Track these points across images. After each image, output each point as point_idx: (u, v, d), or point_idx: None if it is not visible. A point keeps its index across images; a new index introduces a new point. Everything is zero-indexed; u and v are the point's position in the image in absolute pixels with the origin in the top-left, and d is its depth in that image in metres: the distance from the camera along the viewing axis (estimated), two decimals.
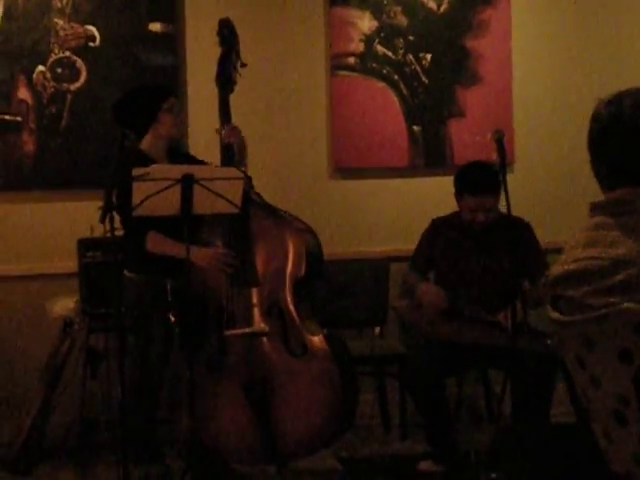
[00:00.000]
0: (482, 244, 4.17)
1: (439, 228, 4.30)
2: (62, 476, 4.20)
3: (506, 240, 4.11)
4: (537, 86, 5.27)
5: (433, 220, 4.35)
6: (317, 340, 3.82)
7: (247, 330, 3.80)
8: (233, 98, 4.01)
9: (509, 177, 3.66)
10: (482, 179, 4.09)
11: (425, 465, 4.08)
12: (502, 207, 3.84)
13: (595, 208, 2.03)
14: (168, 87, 4.14)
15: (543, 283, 4.06)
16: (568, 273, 1.98)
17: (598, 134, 2.01)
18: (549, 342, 3.74)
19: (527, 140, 5.23)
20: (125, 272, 3.94)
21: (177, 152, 4.10)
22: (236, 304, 3.83)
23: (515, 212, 3.73)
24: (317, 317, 3.97)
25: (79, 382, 4.37)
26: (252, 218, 3.89)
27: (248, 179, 3.91)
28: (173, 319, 3.86)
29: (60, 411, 4.46)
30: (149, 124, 3.94)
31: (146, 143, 3.96)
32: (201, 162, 4.03)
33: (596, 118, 2.01)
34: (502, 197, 3.67)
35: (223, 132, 3.92)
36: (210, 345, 3.86)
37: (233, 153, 3.94)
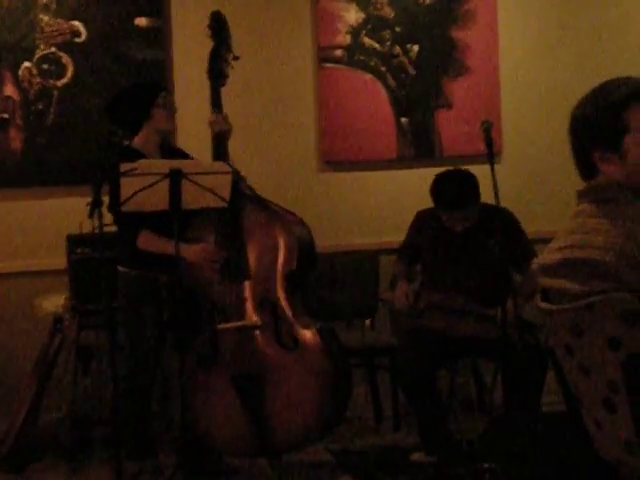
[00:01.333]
0: (466, 236, 4.17)
1: (423, 220, 4.29)
2: (55, 473, 4.19)
3: (490, 230, 4.10)
4: (524, 76, 5.27)
5: (417, 212, 4.34)
6: (309, 333, 3.81)
7: (239, 324, 3.79)
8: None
9: (497, 167, 3.67)
10: (457, 196, 4.01)
11: (418, 456, 4.08)
12: (488, 199, 3.86)
13: (580, 196, 2.07)
14: (159, 83, 4.14)
15: (531, 273, 4.07)
16: (551, 262, 2.00)
17: (569, 128, 2.09)
18: (541, 334, 3.75)
19: (515, 130, 5.24)
20: (119, 267, 3.95)
21: (168, 148, 4.10)
22: (228, 298, 3.83)
23: (503, 202, 3.73)
24: (309, 310, 3.97)
25: (70, 379, 4.36)
26: (243, 211, 3.89)
27: (237, 172, 3.91)
28: (167, 315, 3.86)
29: (52, 408, 4.46)
30: (142, 121, 3.95)
31: (139, 140, 3.97)
32: (191, 158, 4.04)
33: (571, 112, 2.09)
34: (489, 188, 3.66)
35: (213, 119, 3.92)
36: (202, 339, 3.85)
37: (225, 141, 3.94)
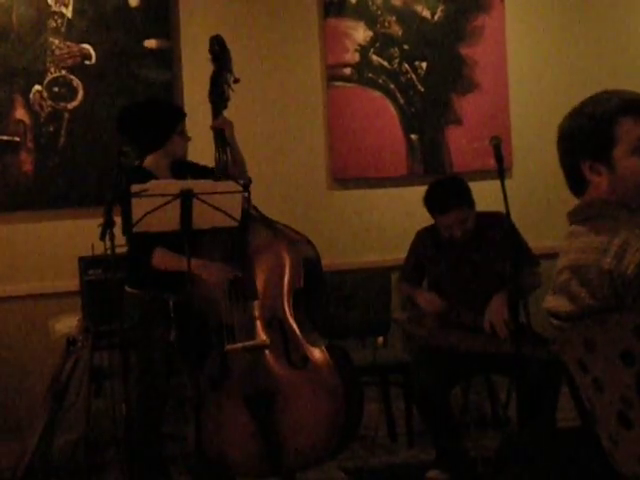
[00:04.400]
0: (467, 249, 4.18)
1: (424, 239, 4.31)
2: None
3: (488, 238, 4.13)
4: (533, 91, 5.28)
5: (417, 232, 4.36)
6: (318, 351, 3.81)
7: (248, 343, 3.79)
8: (231, 112, 4.01)
9: (507, 183, 3.66)
10: (445, 197, 4.09)
11: (432, 474, 4.06)
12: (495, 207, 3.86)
13: (569, 217, 2.10)
14: (180, 108, 4.09)
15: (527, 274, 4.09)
16: (554, 285, 2.03)
17: (558, 140, 2.12)
18: (553, 348, 3.73)
19: (525, 145, 5.24)
20: (126, 288, 3.94)
21: (179, 164, 4.08)
22: (236, 318, 3.82)
23: (513, 217, 3.72)
24: (319, 328, 3.96)
25: (84, 400, 4.36)
26: (250, 232, 3.89)
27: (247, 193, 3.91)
28: (174, 335, 3.86)
29: (65, 430, 4.45)
30: (160, 146, 3.93)
31: (151, 161, 3.95)
32: (203, 167, 4.04)
33: (560, 125, 2.13)
34: (500, 203, 3.65)
35: (215, 122, 3.96)
36: (212, 360, 3.85)
37: (224, 136, 3.96)
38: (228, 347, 3.78)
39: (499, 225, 4.02)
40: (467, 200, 4.10)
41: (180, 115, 4.00)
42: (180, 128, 3.95)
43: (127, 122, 3.94)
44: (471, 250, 4.17)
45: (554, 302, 2.00)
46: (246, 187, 4.03)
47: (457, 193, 4.10)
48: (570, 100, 5.25)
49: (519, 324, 3.77)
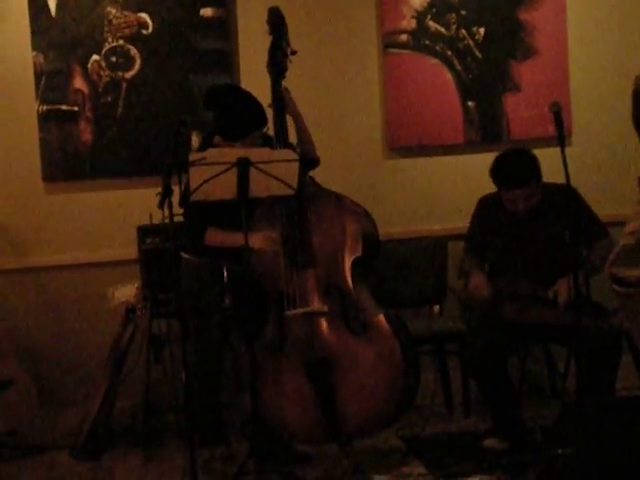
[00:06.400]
0: (531, 218, 4.12)
1: (487, 207, 4.25)
2: (129, 460, 4.25)
3: (555, 210, 4.05)
4: (593, 57, 5.18)
5: (480, 199, 4.30)
6: (377, 319, 3.82)
7: (306, 309, 3.82)
8: (287, 80, 4.00)
9: (567, 150, 3.61)
10: (513, 173, 3.99)
11: (489, 442, 4.06)
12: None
13: None
14: (265, 116, 4.03)
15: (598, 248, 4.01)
16: (617, 250, 1.98)
17: (634, 105, 2.04)
18: (614, 319, 3.69)
19: (585, 112, 5.16)
20: (182, 254, 3.98)
21: None
22: (294, 285, 3.85)
23: (574, 185, 3.67)
24: (376, 297, 3.96)
25: (143, 367, 4.42)
26: (307, 200, 3.90)
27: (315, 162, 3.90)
28: (229, 302, 3.89)
29: (125, 396, 4.52)
30: (233, 140, 3.91)
31: (220, 140, 3.98)
32: (266, 136, 4.04)
33: (634, 89, 2.04)
34: (560, 171, 3.60)
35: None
36: (270, 326, 3.88)
37: (284, 105, 3.95)
38: (287, 313, 3.81)
39: (564, 196, 3.91)
40: (534, 176, 4.01)
41: (262, 122, 3.97)
42: (250, 139, 3.93)
43: (220, 102, 3.93)
44: (535, 221, 4.11)
45: (620, 268, 1.96)
46: (313, 164, 4.05)
47: (525, 169, 3.98)
48: (631, 65, 5.16)
49: (579, 294, 3.73)
